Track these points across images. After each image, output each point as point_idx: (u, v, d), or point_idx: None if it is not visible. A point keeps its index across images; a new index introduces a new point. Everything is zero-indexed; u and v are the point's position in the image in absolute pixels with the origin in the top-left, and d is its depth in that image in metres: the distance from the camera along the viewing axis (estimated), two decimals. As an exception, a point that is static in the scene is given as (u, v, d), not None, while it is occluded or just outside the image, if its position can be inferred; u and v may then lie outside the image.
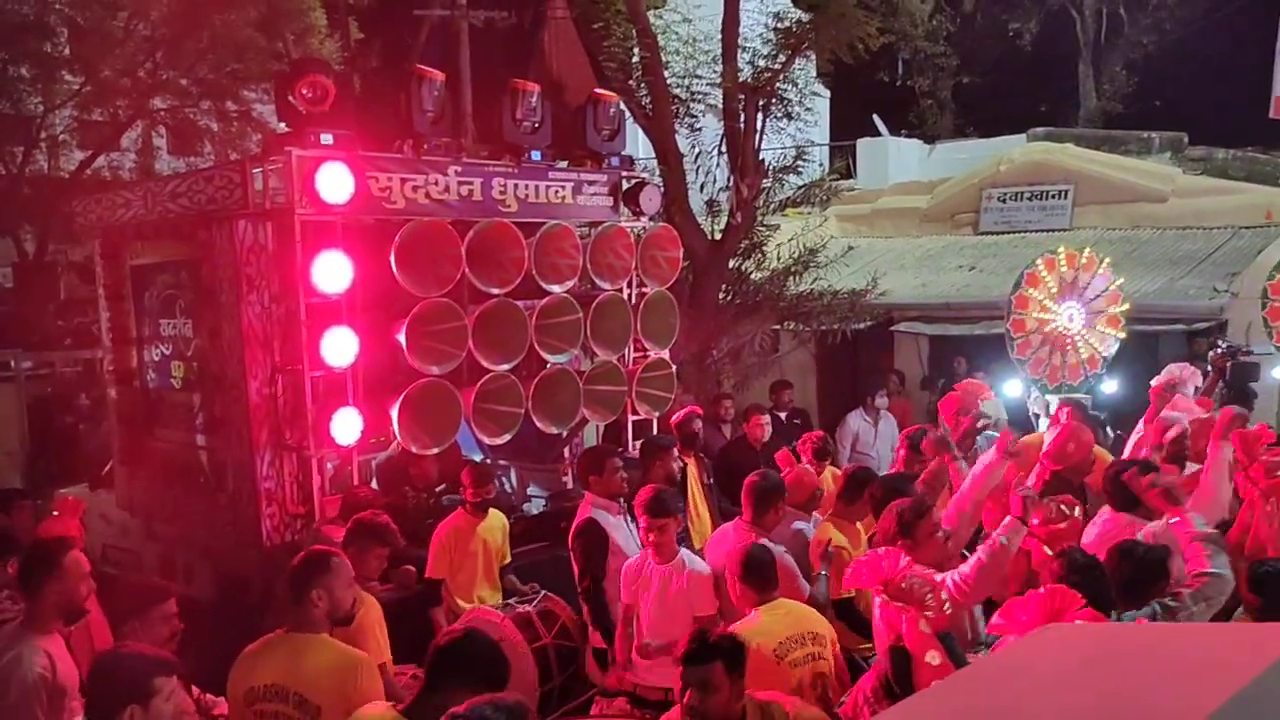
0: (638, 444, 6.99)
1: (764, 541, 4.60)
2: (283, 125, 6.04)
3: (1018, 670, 1.77)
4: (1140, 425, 6.08)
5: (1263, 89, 10.14)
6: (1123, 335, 7.55)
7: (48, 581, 3.75)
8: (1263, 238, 11.80)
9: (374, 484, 6.50)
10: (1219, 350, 7.75)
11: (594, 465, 5.80)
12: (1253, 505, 4.68)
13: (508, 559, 5.83)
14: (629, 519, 5.73)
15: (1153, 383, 7.22)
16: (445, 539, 5.59)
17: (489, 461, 7.33)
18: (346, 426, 5.71)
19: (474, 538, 5.62)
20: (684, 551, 4.86)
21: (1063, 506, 4.51)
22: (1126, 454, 5.85)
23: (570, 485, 7.38)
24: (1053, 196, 13.91)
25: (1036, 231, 13.69)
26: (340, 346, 5.66)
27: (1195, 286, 11.10)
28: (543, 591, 5.58)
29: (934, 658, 3.55)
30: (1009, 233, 13.97)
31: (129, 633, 3.67)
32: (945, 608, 3.70)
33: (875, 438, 9.38)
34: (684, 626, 4.04)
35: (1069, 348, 7.53)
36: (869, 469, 5.90)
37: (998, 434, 5.02)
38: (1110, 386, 8.28)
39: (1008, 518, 4.13)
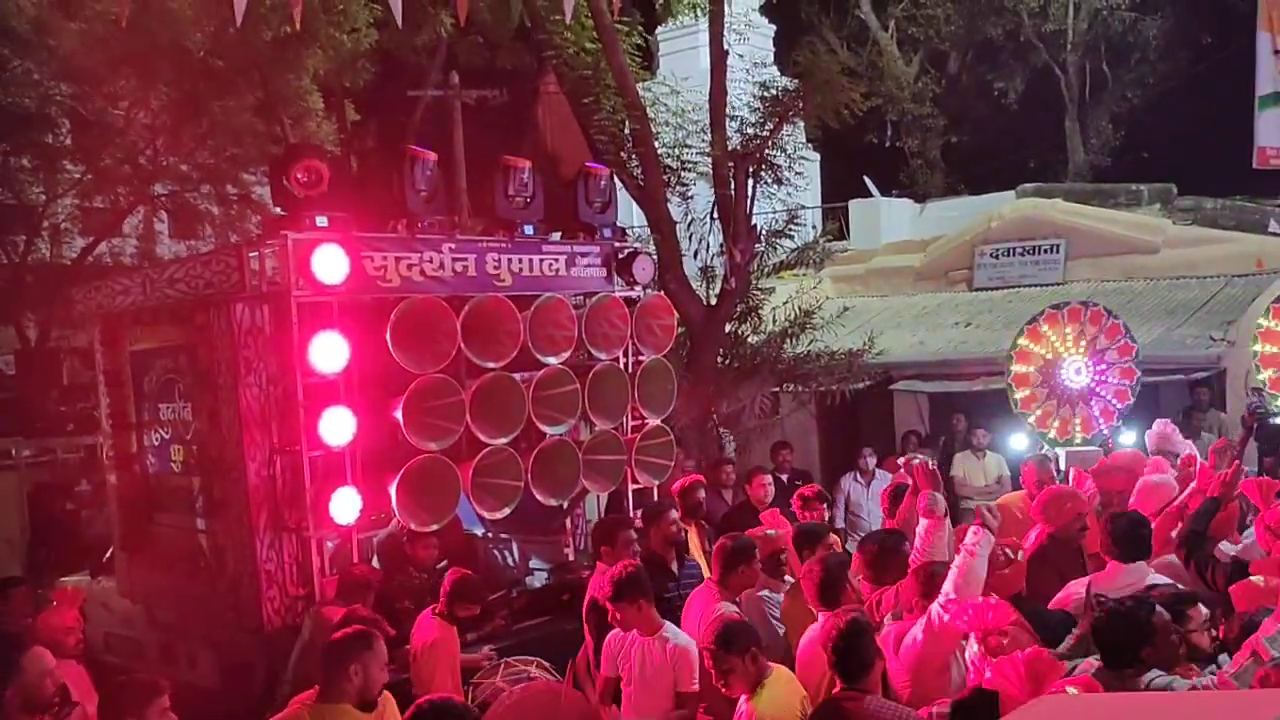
0: (637, 513, 6.98)
1: (730, 606, 4.57)
2: (279, 209, 6.15)
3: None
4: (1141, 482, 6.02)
5: (1246, 139, 10.27)
6: (1138, 387, 7.51)
7: (7, 680, 3.73)
8: (1255, 285, 11.86)
9: (375, 562, 6.47)
10: (1250, 406, 7.66)
11: (606, 537, 5.77)
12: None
13: None
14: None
15: (1150, 446, 7.19)
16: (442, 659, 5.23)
17: (489, 535, 7.30)
18: (345, 506, 5.71)
19: (456, 644, 5.36)
20: (668, 625, 4.77)
21: (1006, 551, 4.51)
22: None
23: (572, 558, 7.34)
24: (1045, 251, 14.01)
25: (1030, 286, 13.76)
26: (338, 426, 5.68)
27: (1192, 336, 11.12)
28: (502, 659, 5.55)
29: None
30: (1003, 288, 14.04)
31: (126, 731, 3.64)
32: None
33: (867, 498, 9.31)
34: (665, 701, 3.96)
35: (1080, 402, 7.49)
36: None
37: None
38: (1129, 438, 8.18)
39: (970, 531, 4.19)
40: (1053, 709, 2.11)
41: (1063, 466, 7.20)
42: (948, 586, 4.04)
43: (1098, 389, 7.47)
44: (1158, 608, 3.71)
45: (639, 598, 4.68)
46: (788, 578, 5.44)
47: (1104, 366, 7.43)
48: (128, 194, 14.94)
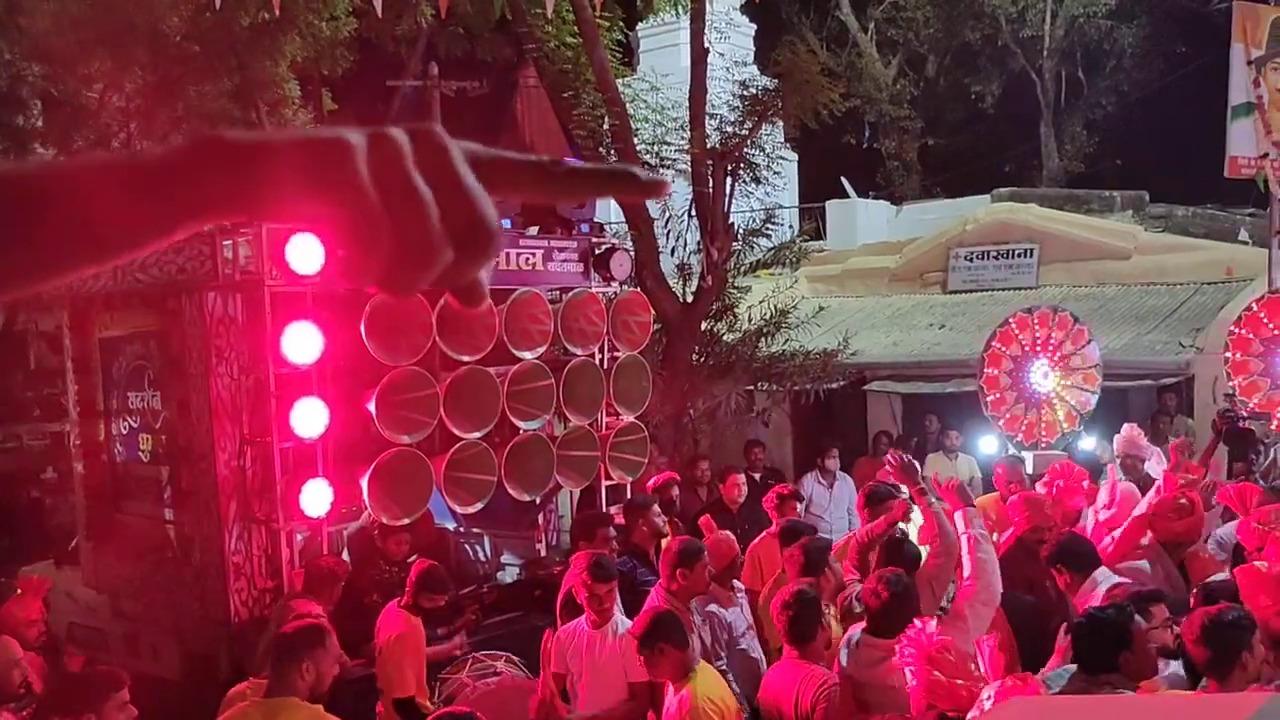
0: (612, 508, 6.99)
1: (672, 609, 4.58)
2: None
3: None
4: (1103, 493, 6.08)
5: (1218, 148, 10.39)
6: (1097, 392, 7.62)
7: None
8: (1224, 293, 12.02)
9: (345, 555, 6.43)
10: (1220, 413, 7.78)
11: (586, 533, 5.80)
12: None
13: None
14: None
15: (1115, 450, 7.29)
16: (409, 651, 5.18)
17: (461, 529, 7.27)
18: (316, 498, 5.66)
19: (422, 636, 5.30)
20: (619, 616, 4.80)
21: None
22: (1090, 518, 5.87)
23: (545, 553, 7.33)
24: (1018, 255, 14.13)
25: (1004, 290, 13.88)
26: (310, 417, 5.63)
27: (1162, 342, 11.26)
28: (470, 654, 5.57)
29: None
30: (977, 291, 14.15)
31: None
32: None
33: (830, 501, 9.23)
34: (619, 692, 3.99)
35: (1045, 406, 7.59)
36: None
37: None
38: (1088, 444, 8.33)
39: (957, 513, 4.30)
40: (1022, 710, 2.12)
41: (1030, 470, 7.27)
42: (966, 577, 4.13)
43: (1063, 393, 7.55)
44: (1136, 616, 3.75)
45: (615, 584, 4.76)
46: (738, 587, 5.47)
47: (1069, 371, 7.53)
48: (99, 178, 14.73)
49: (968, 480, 9.85)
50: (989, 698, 3.41)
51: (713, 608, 5.27)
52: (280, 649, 3.79)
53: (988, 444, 7.95)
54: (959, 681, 3.37)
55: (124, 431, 6.53)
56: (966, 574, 4.14)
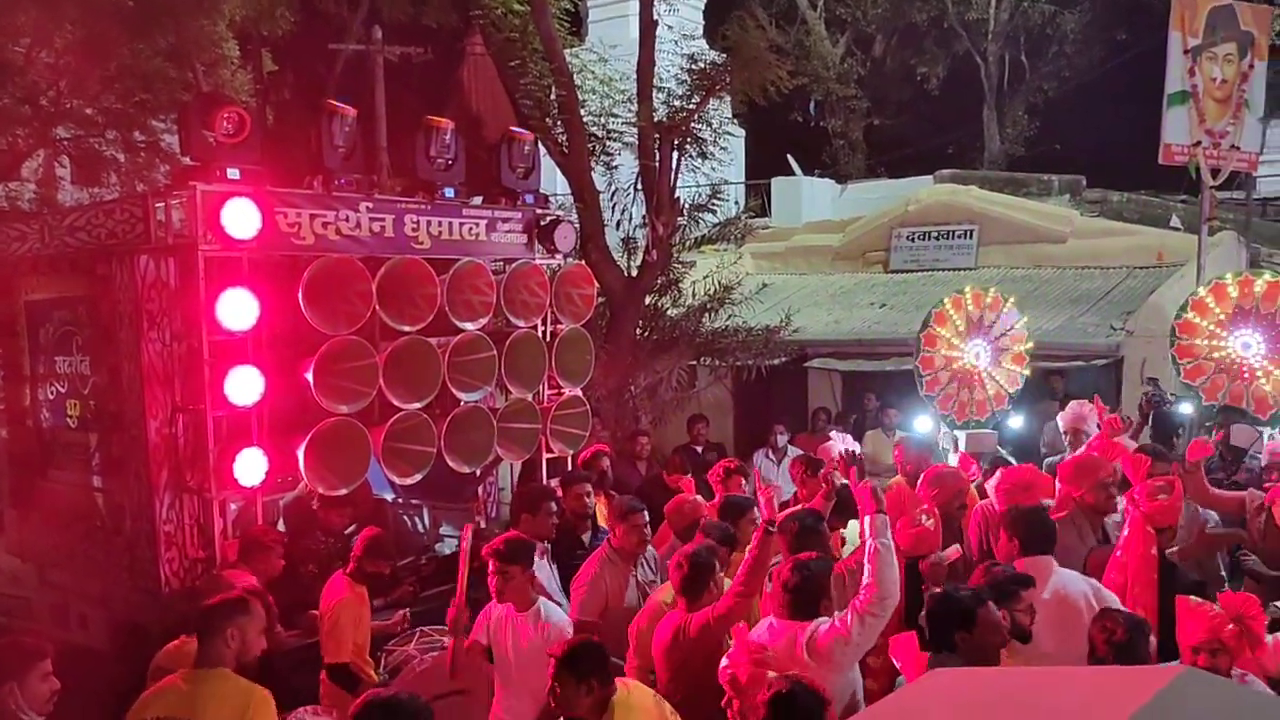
0: (552, 481, 6.99)
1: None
2: (188, 159, 5.92)
3: (909, 715, 1.80)
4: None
5: (1154, 135, 10.61)
6: (1027, 372, 7.78)
7: None
8: (1155, 278, 12.33)
9: (280, 526, 6.35)
10: (1146, 395, 7.97)
11: (529, 504, 5.78)
12: (1133, 527, 4.85)
13: None
14: (550, 561, 5.73)
15: (1060, 425, 7.48)
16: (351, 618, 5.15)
17: (399, 500, 7.21)
18: (250, 468, 5.56)
19: (366, 603, 5.28)
20: (542, 601, 4.76)
21: (923, 517, 4.75)
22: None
23: (484, 525, 7.30)
24: (958, 236, 14.34)
25: (944, 270, 14.08)
26: (245, 385, 5.52)
27: (1094, 324, 11.51)
28: (417, 628, 5.59)
29: None
30: (918, 271, 14.35)
31: (6, 694, 3.52)
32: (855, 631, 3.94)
33: (778, 474, 9.47)
34: (546, 679, 3.87)
35: (976, 384, 7.74)
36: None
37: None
38: (1016, 422, 8.52)
39: (867, 519, 4.29)
40: (947, 682, 2.17)
41: (963, 448, 7.42)
42: (862, 589, 4.11)
43: (993, 373, 7.72)
44: (989, 603, 3.88)
45: (526, 565, 4.69)
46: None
47: (999, 351, 7.69)
48: (27, 136, 14.25)
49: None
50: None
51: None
52: (204, 620, 3.80)
53: (922, 423, 8.06)
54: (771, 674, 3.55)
55: (51, 397, 6.36)
56: (866, 584, 4.09)
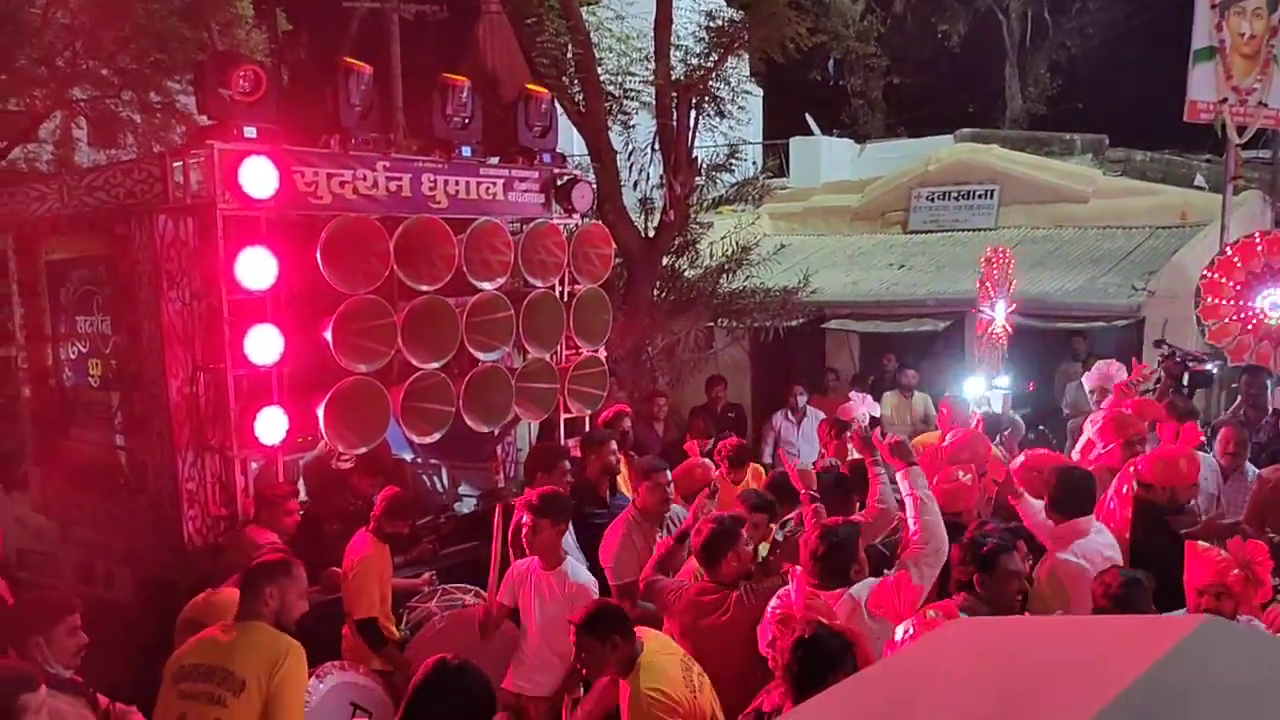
0: (569, 441, 7.01)
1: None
2: (206, 118, 5.91)
3: (922, 667, 1.81)
4: (1087, 425, 6.22)
5: (1179, 93, 10.43)
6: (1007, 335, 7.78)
7: None
8: (1178, 238, 12.17)
9: (301, 484, 6.40)
10: (1169, 356, 7.87)
11: (544, 463, 5.80)
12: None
13: None
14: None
15: (1086, 384, 7.44)
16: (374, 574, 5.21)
17: (418, 460, 7.25)
18: (271, 426, 5.60)
19: (388, 560, 5.38)
20: (569, 560, 4.79)
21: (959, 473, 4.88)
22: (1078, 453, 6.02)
23: (502, 484, 7.35)
24: (979, 196, 14.18)
25: (963, 230, 13.95)
26: (264, 344, 5.55)
27: (1115, 284, 11.40)
28: (440, 586, 5.70)
29: None
30: (937, 231, 14.21)
31: (34, 648, 3.58)
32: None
33: (798, 435, 9.62)
34: (566, 639, 3.90)
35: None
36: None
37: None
38: (1003, 381, 8.27)
39: (900, 473, 4.36)
40: (965, 631, 2.18)
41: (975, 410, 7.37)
42: (914, 530, 4.20)
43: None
44: (1013, 552, 4.02)
45: (559, 521, 4.71)
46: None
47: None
48: (44, 97, 14.26)
49: (922, 418, 10.05)
50: (907, 631, 3.54)
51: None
52: (248, 577, 3.90)
53: (972, 386, 7.81)
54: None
55: (73, 356, 6.41)
56: (913, 533, 4.16)
